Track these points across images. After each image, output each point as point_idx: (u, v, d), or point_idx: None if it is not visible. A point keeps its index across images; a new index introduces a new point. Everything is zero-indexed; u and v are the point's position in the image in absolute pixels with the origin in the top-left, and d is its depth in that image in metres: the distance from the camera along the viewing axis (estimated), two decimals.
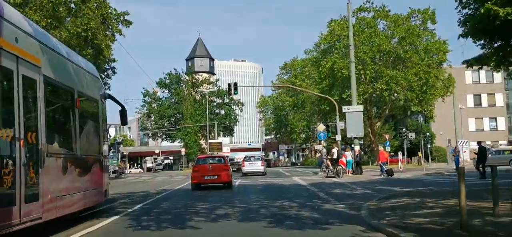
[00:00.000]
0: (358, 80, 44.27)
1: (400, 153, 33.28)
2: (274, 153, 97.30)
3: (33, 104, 7.28)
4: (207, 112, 71.31)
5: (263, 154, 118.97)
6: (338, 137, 29.64)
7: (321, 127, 34.92)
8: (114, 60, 33.98)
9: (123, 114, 12.48)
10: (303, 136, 71.69)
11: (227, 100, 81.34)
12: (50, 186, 7.58)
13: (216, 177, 19.79)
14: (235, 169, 35.43)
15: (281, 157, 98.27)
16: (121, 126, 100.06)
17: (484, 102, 70.01)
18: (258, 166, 34.16)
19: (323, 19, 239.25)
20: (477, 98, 69.75)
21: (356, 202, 12.17)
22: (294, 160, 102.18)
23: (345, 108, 29.11)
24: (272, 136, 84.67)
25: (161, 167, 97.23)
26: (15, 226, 6.40)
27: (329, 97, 36.12)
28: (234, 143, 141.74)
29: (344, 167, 26.10)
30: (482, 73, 70.96)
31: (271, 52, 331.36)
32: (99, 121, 10.85)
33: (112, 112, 39.14)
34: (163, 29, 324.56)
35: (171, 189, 21.17)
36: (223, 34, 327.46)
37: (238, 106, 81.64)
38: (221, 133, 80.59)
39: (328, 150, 58.84)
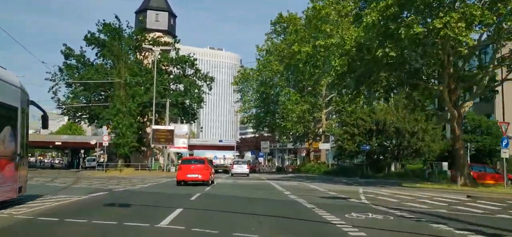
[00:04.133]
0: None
1: None
2: (252, 153, 71.84)
3: None
4: (154, 84, 45.61)
5: (237, 154, 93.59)
6: None
7: None
8: None
9: (44, 119, 13.99)
10: (300, 129, 46.38)
11: (191, 72, 55.68)
12: None
13: (197, 176, 22.75)
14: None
15: (260, 159, 72.94)
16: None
17: None
18: (244, 168, 40.39)
19: None
20: None
21: None
22: (277, 163, 77.19)
23: None
24: (251, 126, 58.67)
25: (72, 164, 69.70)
26: None
27: None
28: (202, 138, 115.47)
29: None
30: None
31: (251, 43, 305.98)
32: (18, 125, 11.96)
33: None
34: None
35: None
36: (200, 19, 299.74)
37: (206, 82, 56.14)
38: (179, 118, 54.88)
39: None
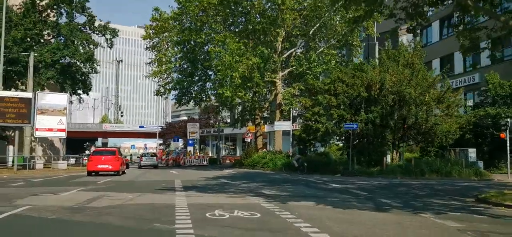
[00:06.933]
0: None
1: None
2: (175, 139, 53.90)
3: None
4: (3, 21, 27.08)
5: (161, 142, 75.40)
6: None
7: None
8: None
9: None
10: (248, 98, 29.40)
11: (80, 19, 37.06)
12: None
13: (108, 166, 23.80)
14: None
15: (190, 148, 55.21)
16: None
17: None
18: (153, 160, 39.44)
19: None
20: None
21: None
22: (212, 154, 60.29)
23: None
24: (172, 100, 40.71)
25: None
26: None
27: None
28: (121, 124, 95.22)
29: None
30: None
31: None
32: None
33: None
34: None
35: None
36: None
37: (104, 35, 37.97)
38: (59, 85, 36.19)
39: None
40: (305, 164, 26.09)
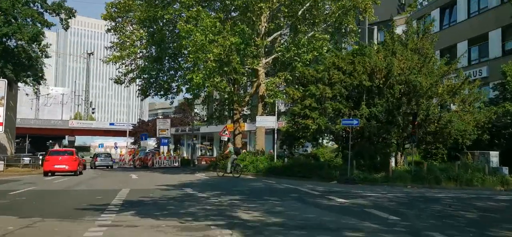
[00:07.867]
0: None
1: None
2: (143, 138, 47.94)
3: None
4: None
5: (132, 140, 69.63)
6: None
7: None
8: None
9: None
10: (224, 86, 24.39)
11: None
12: None
13: (64, 166, 23.91)
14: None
15: (163, 148, 49.70)
16: None
17: None
18: (108, 161, 40.92)
19: None
20: None
21: None
22: (186, 154, 55.03)
23: None
24: (137, 93, 34.87)
25: None
26: None
27: None
28: (99, 119, 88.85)
29: None
30: None
31: None
32: None
33: None
34: None
35: None
36: None
37: (58, 14, 32.60)
38: (12, 75, 30.49)
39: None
40: (241, 166, 22.69)
